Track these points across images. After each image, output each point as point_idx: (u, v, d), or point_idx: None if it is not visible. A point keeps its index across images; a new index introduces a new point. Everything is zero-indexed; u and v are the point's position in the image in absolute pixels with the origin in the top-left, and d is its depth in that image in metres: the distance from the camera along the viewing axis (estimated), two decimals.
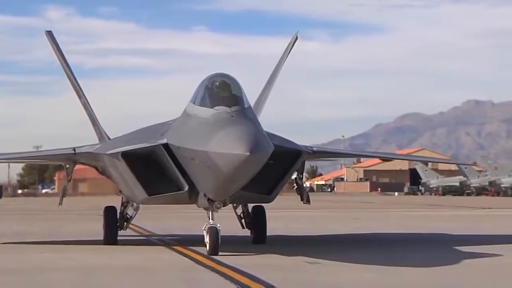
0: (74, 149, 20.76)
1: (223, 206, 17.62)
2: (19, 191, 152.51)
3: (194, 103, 17.27)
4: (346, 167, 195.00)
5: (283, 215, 37.52)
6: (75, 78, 25.49)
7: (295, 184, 20.54)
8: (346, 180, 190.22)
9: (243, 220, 21.41)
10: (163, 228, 28.18)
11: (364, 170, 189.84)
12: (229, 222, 21.36)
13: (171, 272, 15.08)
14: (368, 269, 15.14)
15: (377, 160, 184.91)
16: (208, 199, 17.25)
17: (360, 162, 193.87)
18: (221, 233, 17.35)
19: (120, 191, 20.84)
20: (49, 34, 25.77)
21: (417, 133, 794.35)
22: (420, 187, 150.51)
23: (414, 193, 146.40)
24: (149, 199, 18.54)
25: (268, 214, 21.06)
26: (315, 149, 20.35)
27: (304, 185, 21.28)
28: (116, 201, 22.15)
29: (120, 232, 21.20)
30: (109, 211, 21.18)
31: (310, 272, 14.79)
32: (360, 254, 18.06)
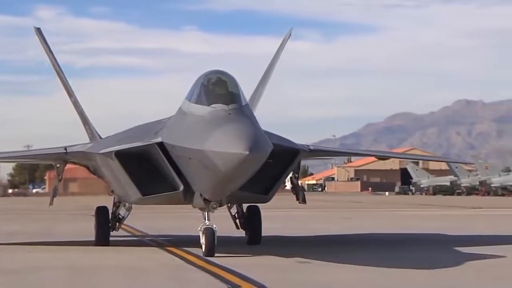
0: (65, 148, 20.43)
1: (219, 206, 17.28)
2: (10, 191, 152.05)
3: (189, 100, 16.83)
4: (337, 167, 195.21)
5: (274, 215, 37.50)
6: (65, 76, 25.25)
7: (290, 184, 20.16)
8: (337, 180, 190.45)
9: (237, 221, 21.08)
10: (156, 229, 27.99)
11: (355, 170, 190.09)
12: (223, 222, 21.20)
13: (162, 271, 15.02)
14: (360, 269, 15.12)
15: (368, 160, 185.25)
16: (204, 199, 16.90)
17: (351, 161, 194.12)
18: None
19: (112, 191, 20.53)
20: (38, 30, 25.51)
21: (407, 132, 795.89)
22: (411, 187, 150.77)
23: (405, 193, 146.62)
24: (143, 199, 18.22)
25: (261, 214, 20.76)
26: (311, 147, 20.03)
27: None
28: (107, 201, 22.04)
29: (112, 233, 20.90)
30: (101, 212, 20.81)
31: (302, 272, 14.76)
32: (352, 254, 18.03)
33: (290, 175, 19.63)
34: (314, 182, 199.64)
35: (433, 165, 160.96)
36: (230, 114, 15.89)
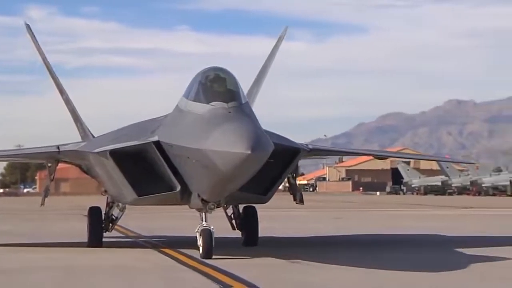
0: (58, 147, 19.97)
1: (217, 207, 16.87)
2: (1, 191, 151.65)
3: (187, 98, 16.33)
4: (328, 167, 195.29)
5: (264, 215, 37.48)
6: (55, 73, 24.89)
7: (288, 184, 19.57)
8: (328, 180, 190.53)
9: (233, 221, 20.59)
10: (150, 229, 27.68)
11: (346, 170, 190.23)
12: (219, 223, 20.79)
13: (153, 272, 14.98)
14: (353, 268, 15.09)
15: (359, 160, 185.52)
16: (202, 200, 16.45)
17: (342, 161, 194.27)
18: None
19: (105, 191, 20.19)
20: (28, 27, 25.14)
21: (399, 132, 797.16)
22: (402, 187, 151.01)
23: (396, 193, 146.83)
24: (138, 200, 17.76)
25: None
26: (310, 147, 19.52)
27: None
28: (99, 201, 21.85)
29: (105, 234, 20.52)
30: (94, 212, 20.38)
31: (295, 272, 14.73)
32: (344, 254, 18.00)
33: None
34: (305, 182, 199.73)
35: (424, 165, 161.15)
36: (230, 112, 15.42)
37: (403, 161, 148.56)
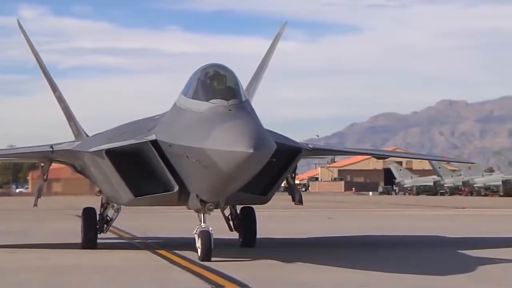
0: (51, 147, 19.48)
1: (216, 208, 16.38)
2: None
3: (186, 95, 15.83)
4: (321, 167, 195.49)
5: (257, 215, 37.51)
6: (48, 70, 24.38)
7: (286, 184, 18.95)
8: (321, 180, 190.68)
9: (231, 222, 20.09)
10: (144, 230, 27.28)
11: (339, 170, 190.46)
12: (215, 223, 20.44)
13: (146, 272, 14.93)
14: (346, 269, 15.03)
15: (351, 160, 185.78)
16: (201, 201, 15.96)
17: (334, 162, 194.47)
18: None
19: (100, 191, 19.81)
20: (19, 23, 24.56)
21: (391, 132, 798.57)
22: (395, 187, 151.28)
23: (389, 193, 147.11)
24: (135, 200, 17.29)
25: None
26: (311, 146, 19.07)
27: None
28: (92, 202, 21.66)
29: (99, 235, 20.00)
30: (88, 213, 19.90)
31: (288, 272, 14.70)
32: (339, 255, 17.94)
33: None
34: (297, 182, 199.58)
35: (416, 165, 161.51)
36: (230, 110, 14.94)
37: (395, 161, 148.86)
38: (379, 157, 24.02)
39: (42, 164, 20.60)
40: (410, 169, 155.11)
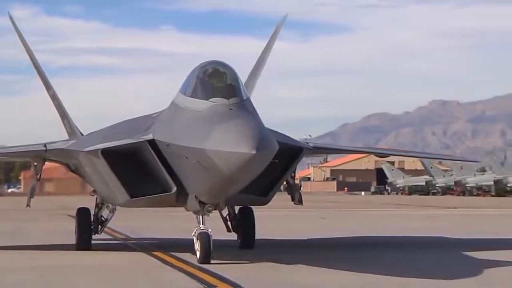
0: (45, 145, 18.99)
1: (215, 209, 16.03)
2: None
3: (184, 94, 15.32)
4: (313, 167, 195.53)
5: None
6: (41, 67, 23.98)
7: (286, 184, 18.38)
8: (313, 180, 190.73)
9: (229, 223, 19.69)
10: (139, 230, 26.96)
11: (331, 170, 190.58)
12: (212, 223, 19.92)
13: (138, 271, 14.90)
14: (342, 269, 14.94)
15: (344, 160, 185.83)
16: (200, 202, 15.52)
17: (327, 161, 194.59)
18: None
19: (94, 191, 19.51)
20: (12, 19, 24.20)
21: (383, 132, 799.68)
22: (387, 187, 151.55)
23: (381, 193, 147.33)
24: (131, 202, 16.85)
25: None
26: (311, 145, 18.53)
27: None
28: (85, 202, 21.52)
29: (94, 236, 19.67)
30: (82, 213, 19.50)
31: (281, 272, 14.67)
32: (336, 256, 17.88)
33: None
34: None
35: (408, 165, 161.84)
36: (231, 109, 14.42)
37: (387, 161, 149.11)
38: (380, 155, 23.85)
39: (35, 164, 20.15)
40: (402, 169, 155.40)
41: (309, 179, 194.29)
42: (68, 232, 21.63)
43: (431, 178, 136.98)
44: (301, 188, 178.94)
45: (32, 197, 20.72)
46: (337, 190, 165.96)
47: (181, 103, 15.44)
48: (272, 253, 17.82)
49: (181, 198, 16.14)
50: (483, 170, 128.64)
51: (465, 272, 14.62)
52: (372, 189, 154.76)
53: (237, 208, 19.61)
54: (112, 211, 19.63)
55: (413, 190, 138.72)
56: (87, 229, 19.36)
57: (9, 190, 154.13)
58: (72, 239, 19.83)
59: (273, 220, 35.74)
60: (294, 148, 17.26)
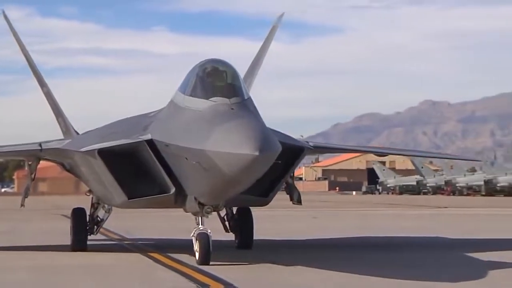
0: (40, 145, 18.60)
1: (214, 210, 15.77)
2: None
3: (184, 93, 14.94)
4: (305, 167, 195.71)
5: None
6: (35, 65, 23.50)
7: (285, 183, 17.88)
8: (305, 180, 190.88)
9: (226, 223, 19.33)
10: (136, 231, 26.53)
11: (323, 170, 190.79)
12: (209, 223, 19.15)
13: (130, 271, 14.86)
14: (337, 269, 14.81)
15: (335, 160, 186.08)
16: (199, 203, 15.18)
17: (318, 161, 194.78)
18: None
19: (90, 191, 19.24)
20: (5, 15, 23.69)
21: (374, 132, 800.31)
22: (378, 187, 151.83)
23: (372, 192, 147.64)
24: (129, 203, 16.48)
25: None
26: (311, 144, 18.13)
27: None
28: (79, 201, 21.40)
29: (89, 237, 19.27)
30: (78, 214, 19.08)
31: (278, 273, 14.59)
32: (333, 256, 17.77)
33: None
34: None
35: (399, 165, 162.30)
36: (232, 109, 14.04)
37: (378, 161, 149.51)
38: (380, 154, 23.46)
39: (30, 163, 19.80)
40: (393, 169, 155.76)
41: (300, 178, 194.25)
42: (63, 232, 21.35)
43: (422, 178, 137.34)
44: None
45: (27, 197, 20.44)
46: (329, 190, 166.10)
47: (180, 102, 15.07)
48: (269, 254, 17.70)
49: (179, 199, 15.83)
50: (473, 170, 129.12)
51: (464, 272, 14.59)
52: (363, 188, 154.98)
53: (234, 208, 19.29)
54: (108, 211, 19.34)
55: (404, 190, 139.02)
56: (83, 230, 19.00)
57: (3, 190, 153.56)
58: (67, 239, 19.58)
59: (265, 220, 35.89)
60: (295, 148, 16.91)
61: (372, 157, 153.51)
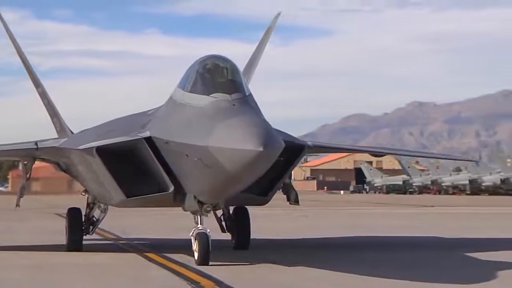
0: (36, 144, 18.20)
1: (214, 209, 15.56)
2: None
3: (183, 89, 14.64)
4: None
5: None
6: (30, 64, 23.22)
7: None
8: (294, 179, 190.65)
9: (223, 223, 19.04)
10: (131, 230, 26.18)
11: (311, 169, 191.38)
12: (206, 223, 18.39)
13: (123, 269, 14.87)
14: (336, 271, 14.57)
15: (323, 160, 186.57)
16: (198, 202, 14.90)
17: (307, 161, 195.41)
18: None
19: (85, 191, 18.97)
20: (1, 18, 23.39)
21: (362, 133, 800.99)
22: (365, 186, 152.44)
23: (359, 192, 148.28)
24: (127, 201, 16.12)
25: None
26: (309, 143, 17.63)
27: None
28: (73, 200, 21.27)
29: (85, 237, 19.00)
30: (73, 214, 18.75)
31: (266, 271, 14.58)
32: (332, 255, 17.70)
33: None
34: None
35: (386, 165, 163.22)
36: (234, 105, 13.78)
37: (366, 161, 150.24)
38: (376, 154, 23.34)
39: (25, 162, 19.59)
40: (380, 169, 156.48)
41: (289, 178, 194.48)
42: (58, 230, 21.10)
43: (408, 177, 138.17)
44: None
45: (22, 197, 20.15)
46: (317, 189, 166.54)
47: (180, 98, 14.76)
48: (266, 253, 17.55)
49: (178, 197, 15.50)
50: (458, 170, 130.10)
51: (463, 272, 14.55)
52: (351, 188, 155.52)
53: (231, 208, 18.96)
54: (104, 211, 18.91)
55: (391, 189, 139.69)
56: (78, 229, 18.69)
57: None
58: (62, 238, 19.37)
59: (257, 219, 36.21)
60: (296, 146, 16.61)
61: (359, 157, 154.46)
